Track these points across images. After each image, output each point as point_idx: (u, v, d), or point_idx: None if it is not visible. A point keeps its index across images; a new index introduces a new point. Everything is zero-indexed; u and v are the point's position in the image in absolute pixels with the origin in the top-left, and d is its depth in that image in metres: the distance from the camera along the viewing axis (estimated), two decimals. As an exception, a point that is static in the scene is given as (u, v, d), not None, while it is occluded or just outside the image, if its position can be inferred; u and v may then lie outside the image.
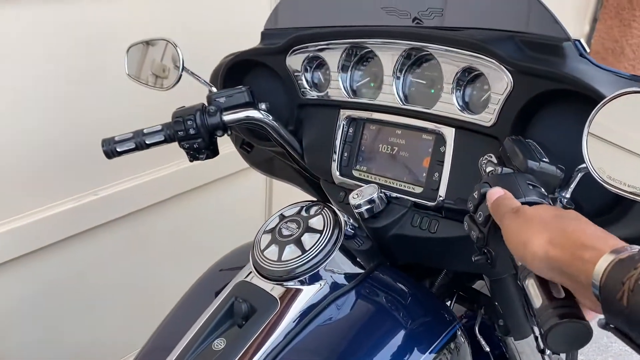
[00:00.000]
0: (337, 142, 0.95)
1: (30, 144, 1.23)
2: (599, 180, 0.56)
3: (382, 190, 0.86)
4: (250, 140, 1.11)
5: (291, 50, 0.96)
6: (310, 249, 0.74)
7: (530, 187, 0.58)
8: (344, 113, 0.94)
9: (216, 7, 1.45)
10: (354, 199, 0.85)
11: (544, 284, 0.50)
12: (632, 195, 0.54)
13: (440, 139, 0.82)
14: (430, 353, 0.71)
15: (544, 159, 0.62)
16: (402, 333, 0.73)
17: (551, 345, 0.47)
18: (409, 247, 0.87)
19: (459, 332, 0.80)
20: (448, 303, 1.02)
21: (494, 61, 0.72)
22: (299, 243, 0.75)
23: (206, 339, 0.73)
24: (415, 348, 0.71)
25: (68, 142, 1.29)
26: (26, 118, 1.20)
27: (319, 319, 0.73)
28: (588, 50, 0.67)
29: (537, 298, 0.50)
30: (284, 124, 1.01)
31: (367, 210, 0.85)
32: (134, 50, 1.03)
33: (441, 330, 0.75)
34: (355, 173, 0.93)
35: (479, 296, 1.04)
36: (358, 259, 0.79)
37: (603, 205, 0.67)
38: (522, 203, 0.56)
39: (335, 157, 0.95)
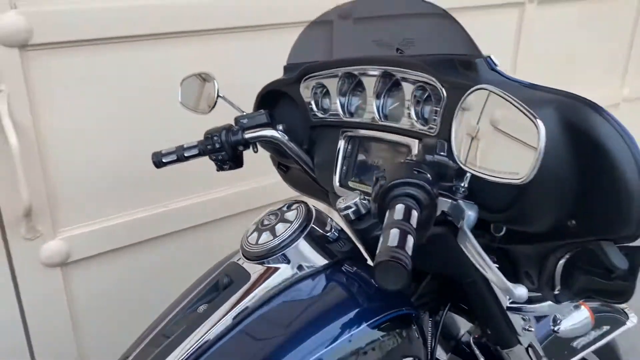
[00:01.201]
0: (339, 158, 1.09)
1: (116, 164, 1.51)
2: (457, 161, 0.67)
3: (367, 197, 0.99)
4: (277, 158, 1.29)
5: (303, 80, 1.14)
6: (280, 234, 0.89)
7: (416, 172, 0.69)
8: (344, 132, 1.09)
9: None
10: (339, 203, 0.99)
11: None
12: (480, 173, 0.65)
13: (409, 150, 0.94)
14: (368, 326, 0.82)
15: (442, 153, 0.72)
16: (346, 308, 0.84)
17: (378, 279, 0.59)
18: None
19: (414, 325, 0.89)
20: (441, 313, 1.10)
21: (434, 79, 0.84)
22: (272, 230, 0.90)
23: (195, 305, 0.90)
24: (355, 321, 0.82)
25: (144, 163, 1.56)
26: (112, 143, 1.49)
27: (284, 293, 0.86)
28: (498, 64, 0.78)
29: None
30: (299, 143, 1.17)
31: (352, 212, 0.98)
32: (185, 83, 1.26)
33: (384, 309, 0.85)
34: (351, 184, 1.06)
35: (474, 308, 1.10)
36: (327, 251, 0.93)
37: (503, 201, 0.75)
38: (394, 183, 0.67)
39: (337, 170, 1.09)
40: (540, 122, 0.59)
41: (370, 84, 1.00)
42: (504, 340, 1.03)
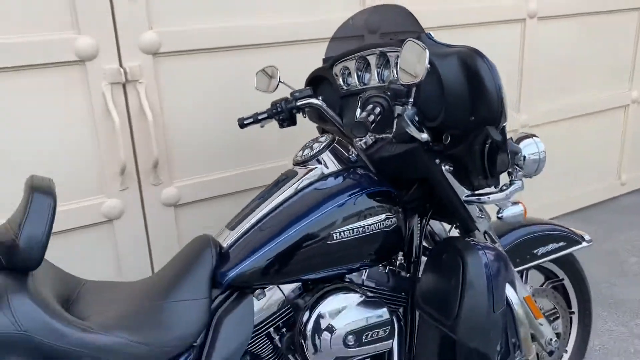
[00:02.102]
0: (357, 114, 1.69)
1: (214, 136, 2.17)
2: (400, 82, 1.25)
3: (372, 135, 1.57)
4: (319, 124, 1.89)
5: (334, 65, 1.75)
6: (314, 148, 1.50)
7: (374, 90, 1.28)
8: (360, 97, 1.68)
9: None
10: (356, 141, 1.57)
11: None
12: (408, 83, 1.23)
13: None
14: (366, 195, 1.40)
15: (400, 82, 1.30)
16: (353, 186, 1.42)
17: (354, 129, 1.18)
18: (387, 164, 1.54)
19: (397, 214, 1.46)
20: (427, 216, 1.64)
21: (397, 49, 1.43)
22: (311, 146, 1.51)
23: (268, 191, 1.50)
24: (358, 192, 1.40)
25: (233, 136, 2.21)
26: (211, 120, 2.15)
27: (317, 182, 1.45)
28: (434, 36, 1.36)
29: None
30: (333, 109, 1.77)
31: (363, 143, 1.56)
32: (258, 74, 1.89)
33: (376, 186, 1.43)
34: (365, 131, 1.66)
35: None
36: (345, 160, 1.51)
37: (435, 110, 1.32)
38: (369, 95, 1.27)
39: None
40: (426, 50, 1.18)
41: (373, 61, 1.60)
42: (467, 227, 1.55)
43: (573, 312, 2.00)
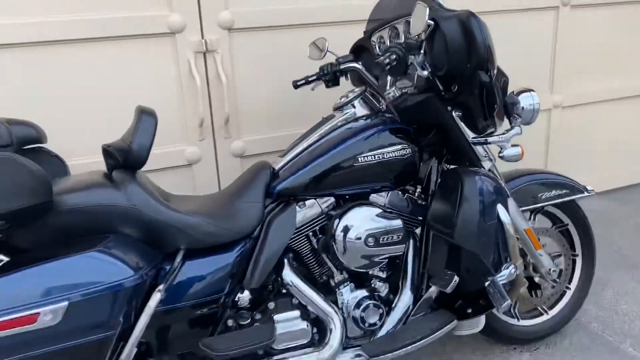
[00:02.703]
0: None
1: (276, 99, 2.61)
2: (413, 38, 1.64)
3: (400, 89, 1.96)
4: (358, 85, 2.29)
5: (372, 35, 2.14)
6: (348, 96, 1.90)
7: (398, 46, 1.68)
8: None
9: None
10: (386, 94, 1.96)
11: None
12: (416, 37, 1.62)
13: None
14: (387, 130, 1.79)
15: (411, 38, 1.68)
16: (377, 124, 1.81)
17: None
18: (410, 112, 1.92)
19: (412, 148, 1.84)
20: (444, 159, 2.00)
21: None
22: (346, 96, 1.93)
23: (313, 129, 1.92)
24: (381, 128, 1.80)
25: (291, 101, 2.65)
26: (273, 86, 2.59)
27: (349, 123, 1.86)
28: (442, 3, 1.73)
29: None
30: (371, 73, 2.17)
31: (391, 96, 1.95)
32: (310, 45, 2.31)
33: (396, 124, 1.82)
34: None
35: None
36: (375, 107, 1.91)
37: (441, 60, 1.68)
38: (389, 46, 1.66)
39: (388, 83, 2.07)
40: (427, 8, 1.57)
41: (401, 29, 1.98)
42: (474, 165, 1.91)
43: (577, 255, 2.29)
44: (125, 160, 1.60)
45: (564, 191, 2.17)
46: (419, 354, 2.08)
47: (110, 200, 1.53)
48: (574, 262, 2.30)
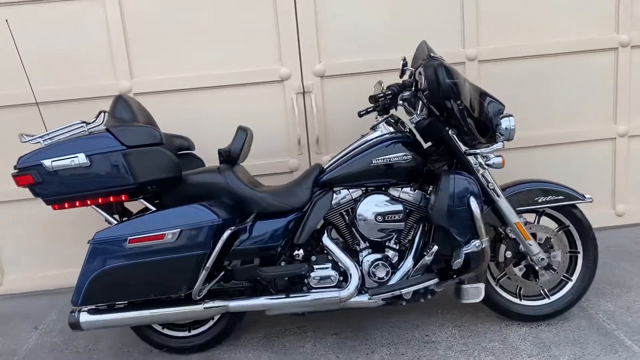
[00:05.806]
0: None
1: (351, 124, 3.51)
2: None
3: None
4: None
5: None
6: (378, 119, 2.74)
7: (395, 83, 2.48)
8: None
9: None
10: (411, 119, 2.76)
11: None
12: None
13: None
14: (397, 140, 2.59)
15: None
16: (400, 138, 2.61)
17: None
18: (425, 132, 2.68)
19: (414, 156, 2.60)
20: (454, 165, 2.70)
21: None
22: (376, 119, 2.77)
23: (347, 147, 2.79)
24: (399, 139, 2.59)
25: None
26: (351, 117, 3.50)
27: (383, 136, 2.67)
28: (433, 54, 2.49)
29: None
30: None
31: (416, 121, 2.74)
32: (375, 85, 3.17)
33: (407, 139, 2.60)
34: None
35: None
36: (400, 130, 2.70)
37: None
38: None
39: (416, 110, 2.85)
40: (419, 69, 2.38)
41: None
42: (470, 172, 2.60)
43: (578, 252, 2.77)
44: (226, 157, 2.65)
45: (560, 197, 2.70)
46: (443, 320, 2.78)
47: (214, 180, 2.58)
48: (576, 257, 2.78)
